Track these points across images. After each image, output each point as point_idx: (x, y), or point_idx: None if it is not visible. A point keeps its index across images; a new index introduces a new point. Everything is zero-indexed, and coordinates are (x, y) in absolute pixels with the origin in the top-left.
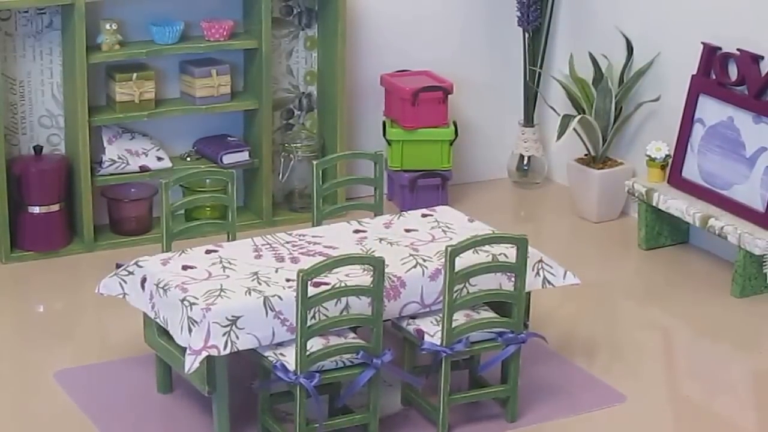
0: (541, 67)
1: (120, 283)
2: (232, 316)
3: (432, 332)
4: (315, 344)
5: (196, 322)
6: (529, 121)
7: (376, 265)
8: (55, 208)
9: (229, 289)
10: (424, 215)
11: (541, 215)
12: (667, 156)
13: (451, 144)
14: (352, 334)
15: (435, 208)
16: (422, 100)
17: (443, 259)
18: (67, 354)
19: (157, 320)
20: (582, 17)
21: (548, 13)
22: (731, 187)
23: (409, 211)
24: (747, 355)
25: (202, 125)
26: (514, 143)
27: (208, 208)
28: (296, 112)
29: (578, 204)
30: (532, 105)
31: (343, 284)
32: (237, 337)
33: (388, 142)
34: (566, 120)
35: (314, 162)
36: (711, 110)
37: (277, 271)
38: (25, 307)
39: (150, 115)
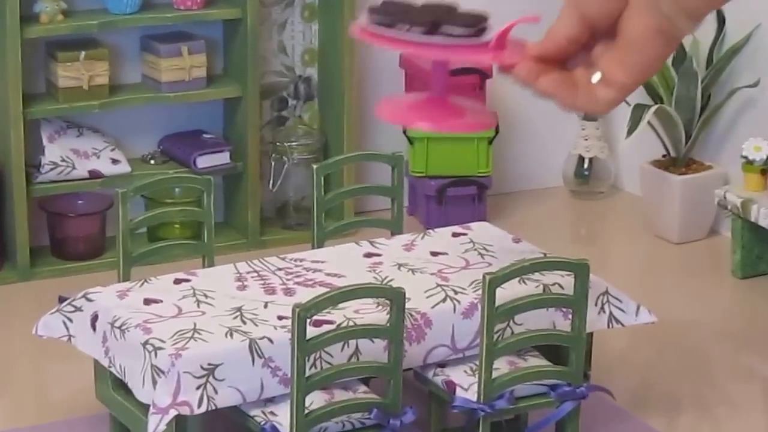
0: None
1: (64, 322)
2: (209, 365)
3: (466, 385)
4: (316, 400)
5: (163, 372)
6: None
7: (395, 299)
8: None
9: (204, 330)
10: (455, 234)
11: (607, 234)
12: None
13: (490, 143)
14: (364, 388)
15: (470, 225)
16: (453, 85)
17: (480, 291)
18: None
19: (112, 369)
20: None
21: None
22: None
23: (436, 229)
24: None
25: (170, 118)
26: (572, 142)
27: (178, 226)
28: (291, 102)
29: (654, 219)
30: None
31: (351, 323)
32: (215, 392)
33: (410, 141)
34: (638, 111)
35: (314, 166)
36: None
37: (266, 306)
38: None
39: (103, 105)
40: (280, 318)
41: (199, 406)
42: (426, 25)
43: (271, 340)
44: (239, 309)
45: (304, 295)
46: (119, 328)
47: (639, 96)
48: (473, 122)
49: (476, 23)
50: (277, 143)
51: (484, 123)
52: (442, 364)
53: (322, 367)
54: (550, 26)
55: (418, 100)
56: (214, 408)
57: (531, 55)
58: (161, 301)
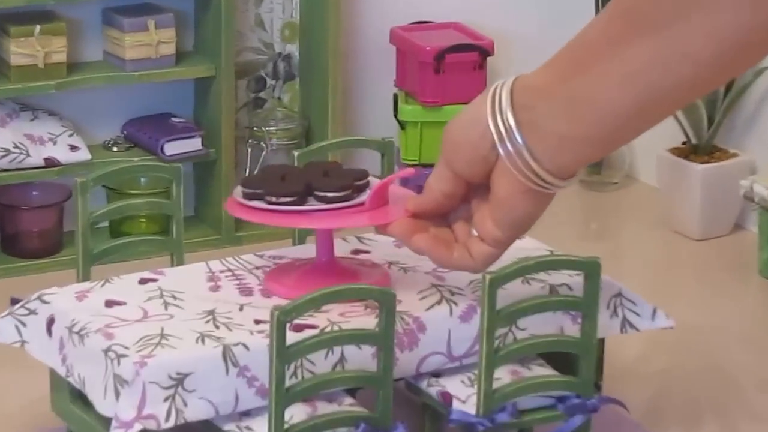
0: None
1: (17, 326)
2: (178, 374)
3: (464, 396)
4: (296, 413)
5: (126, 381)
6: None
7: (384, 301)
8: None
9: (173, 335)
10: None
11: (620, 229)
12: None
13: None
14: (350, 400)
15: None
16: (450, 64)
17: (479, 293)
18: None
19: (70, 379)
20: None
21: None
22: None
23: None
24: None
25: (135, 100)
26: None
27: (144, 219)
28: (269, 82)
29: (673, 213)
30: None
31: (336, 328)
32: (185, 404)
33: (401, 125)
34: None
35: (295, 153)
36: None
37: (241, 309)
38: None
39: (60, 85)
40: (257, 322)
41: (167, 419)
42: (297, 192)
43: (246, 347)
44: (212, 312)
45: None
46: (78, 333)
47: None
48: (369, 282)
49: (350, 184)
50: (254, 128)
51: (379, 282)
52: (437, 374)
53: (303, 377)
54: (427, 180)
55: (305, 270)
56: (183, 422)
57: (409, 211)
58: (125, 303)
